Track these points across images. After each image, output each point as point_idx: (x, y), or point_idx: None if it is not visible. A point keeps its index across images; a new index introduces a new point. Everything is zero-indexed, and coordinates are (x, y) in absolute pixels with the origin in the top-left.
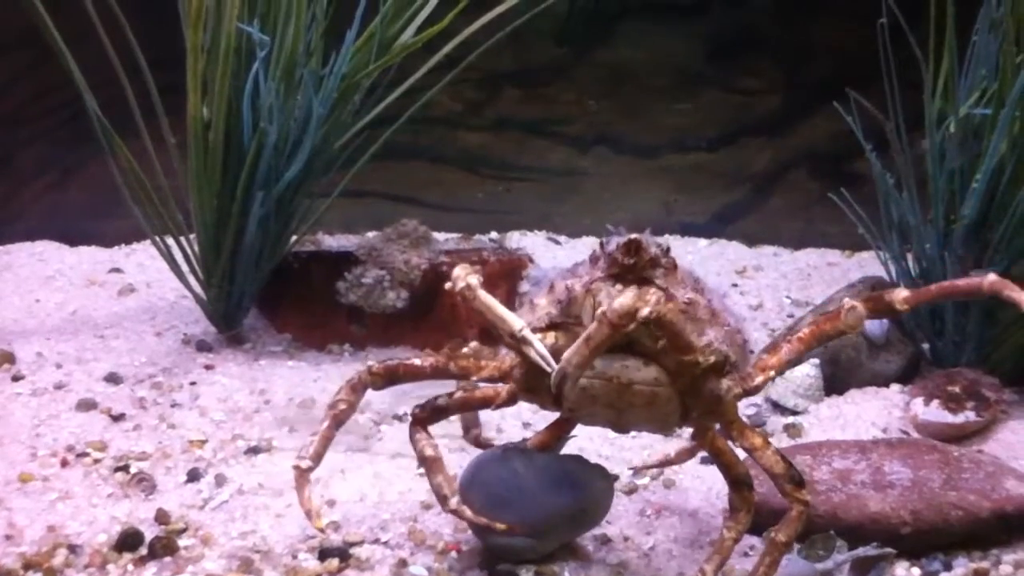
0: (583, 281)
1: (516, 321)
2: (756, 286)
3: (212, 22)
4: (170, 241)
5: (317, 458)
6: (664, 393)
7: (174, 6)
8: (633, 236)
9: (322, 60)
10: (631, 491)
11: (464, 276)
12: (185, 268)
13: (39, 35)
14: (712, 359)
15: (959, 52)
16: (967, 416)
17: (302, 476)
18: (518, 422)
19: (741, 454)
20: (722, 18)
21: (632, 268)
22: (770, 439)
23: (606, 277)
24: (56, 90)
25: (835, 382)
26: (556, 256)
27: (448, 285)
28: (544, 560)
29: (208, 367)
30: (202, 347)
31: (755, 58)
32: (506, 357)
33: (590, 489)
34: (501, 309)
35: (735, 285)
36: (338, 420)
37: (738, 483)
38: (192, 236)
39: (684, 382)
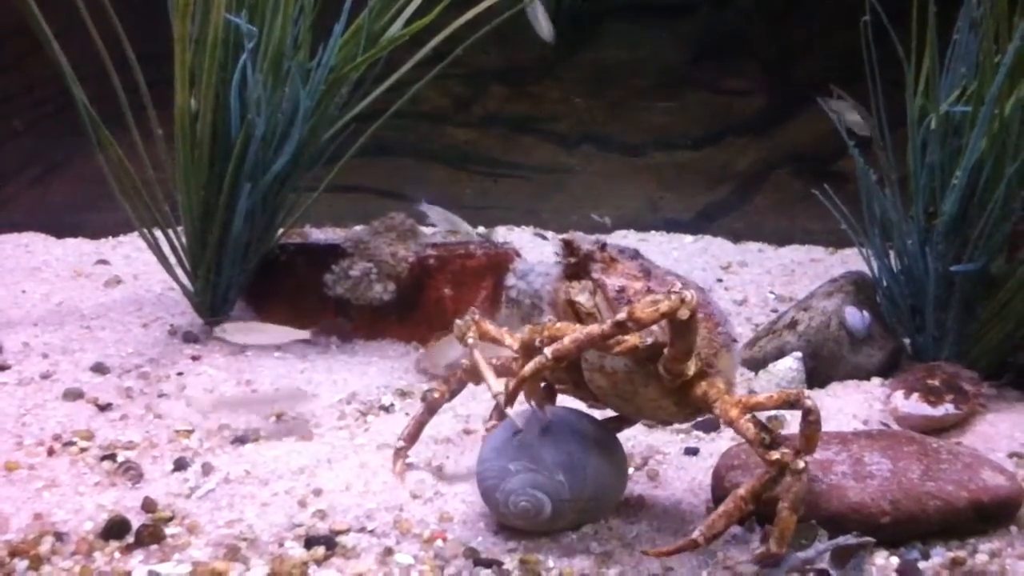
0: (553, 284)
1: (496, 386)
2: (741, 281)
3: (200, 13)
4: (157, 233)
5: (410, 439)
6: (640, 377)
7: None
8: (563, 237)
9: (310, 53)
10: None
11: (466, 337)
12: (172, 260)
13: (26, 27)
14: (650, 340)
15: (940, 51)
16: (946, 409)
17: (397, 453)
18: None
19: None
20: (707, 19)
21: (575, 266)
22: (745, 403)
23: (563, 276)
24: (44, 82)
25: (817, 375)
26: (543, 251)
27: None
28: (528, 550)
29: (195, 358)
30: (188, 338)
31: (740, 58)
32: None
33: (622, 457)
34: (488, 373)
35: (720, 280)
36: (430, 407)
37: (754, 445)
38: (179, 228)
39: (644, 363)
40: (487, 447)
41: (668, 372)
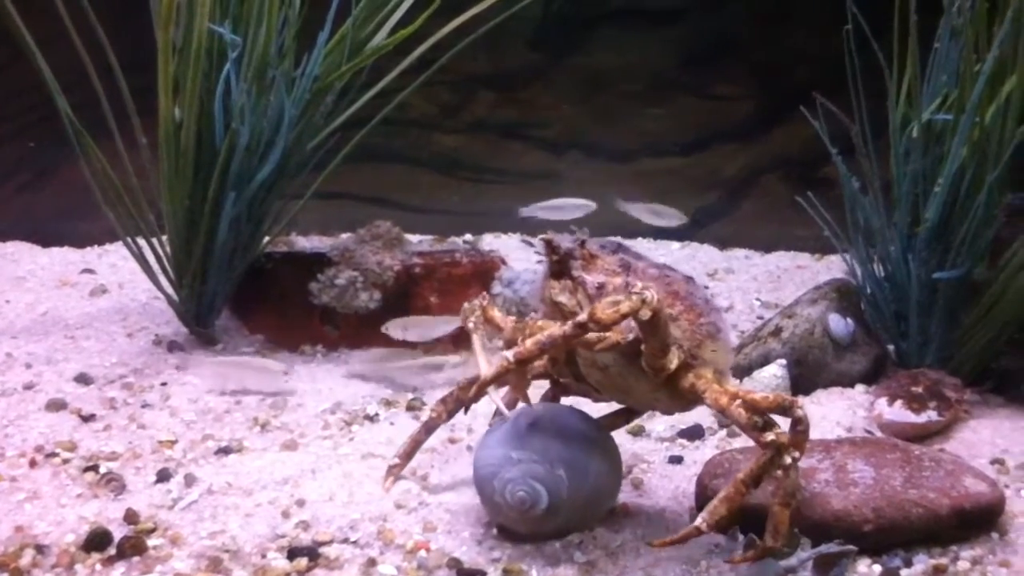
0: (540, 284)
1: (485, 370)
2: (727, 288)
3: (183, 22)
4: (142, 242)
5: (405, 457)
6: (630, 371)
7: (146, 7)
8: (543, 236)
9: (294, 61)
10: None
11: (468, 320)
12: (157, 269)
13: (9, 36)
14: (631, 336)
15: (922, 59)
16: (929, 416)
17: (390, 470)
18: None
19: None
20: (696, 25)
21: (558, 264)
22: (738, 394)
23: (548, 276)
24: (28, 91)
25: (801, 382)
26: (530, 258)
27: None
28: (512, 559)
29: (179, 368)
30: (173, 348)
31: (728, 65)
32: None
33: (619, 465)
34: (481, 356)
35: (706, 287)
36: (428, 427)
37: (747, 429)
38: (164, 237)
39: (632, 358)
40: (491, 436)
41: (650, 368)
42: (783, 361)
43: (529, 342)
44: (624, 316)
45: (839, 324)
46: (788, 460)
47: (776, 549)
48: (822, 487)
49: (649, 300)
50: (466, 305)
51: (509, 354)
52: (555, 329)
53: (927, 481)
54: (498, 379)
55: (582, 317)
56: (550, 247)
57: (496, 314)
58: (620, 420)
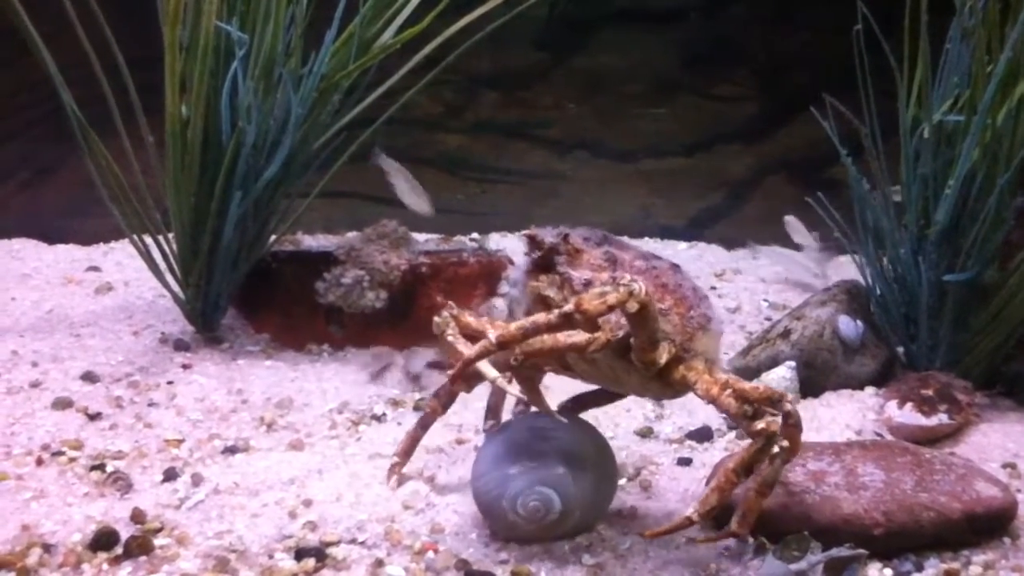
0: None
1: (467, 350)
2: (734, 289)
3: (191, 20)
4: (148, 240)
5: (404, 455)
6: (621, 365)
7: (153, 3)
8: (527, 232)
9: (301, 60)
10: None
11: (446, 333)
12: (163, 267)
13: (15, 31)
14: (621, 334)
15: (932, 60)
16: (939, 419)
17: (391, 469)
18: None
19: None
20: (699, 25)
21: (542, 260)
22: (729, 382)
23: (530, 271)
24: (34, 87)
25: (810, 384)
26: None
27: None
28: (520, 561)
29: (185, 366)
30: (179, 346)
31: (732, 65)
32: None
33: (612, 457)
34: (462, 346)
35: (713, 288)
36: (424, 423)
37: (737, 418)
38: (170, 235)
39: (622, 352)
40: (481, 461)
41: (640, 362)
42: (792, 363)
43: (513, 326)
44: (611, 308)
45: (849, 326)
46: (776, 449)
47: (740, 535)
48: (832, 490)
49: (637, 292)
50: (437, 319)
51: (492, 336)
52: (540, 316)
53: (938, 485)
54: (479, 359)
55: (568, 307)
56: (533, 242)
57: (471, 320)
58: (603, 399)
